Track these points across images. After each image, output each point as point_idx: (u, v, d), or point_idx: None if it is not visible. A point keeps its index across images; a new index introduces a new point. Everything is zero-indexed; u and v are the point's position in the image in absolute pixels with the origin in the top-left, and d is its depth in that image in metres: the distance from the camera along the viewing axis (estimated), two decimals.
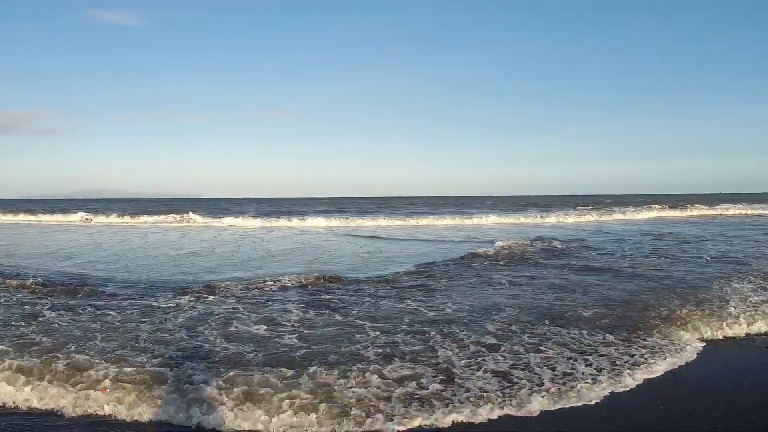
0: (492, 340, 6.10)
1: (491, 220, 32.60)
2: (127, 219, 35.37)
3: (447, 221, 32.02)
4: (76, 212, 39.71)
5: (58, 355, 5.44)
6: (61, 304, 7.88)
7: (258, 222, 31.74)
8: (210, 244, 18.92)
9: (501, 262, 12.36)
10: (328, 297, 8.55)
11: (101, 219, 36.05)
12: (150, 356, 5.46)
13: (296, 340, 6.10)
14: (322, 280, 9.96)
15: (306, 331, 6.48)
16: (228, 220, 32.65)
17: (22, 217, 40.54)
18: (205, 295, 8.54)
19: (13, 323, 6.82)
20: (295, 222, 31.27)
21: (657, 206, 42.93)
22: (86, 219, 36.07)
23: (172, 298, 8.38)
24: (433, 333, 6.36)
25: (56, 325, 6.69)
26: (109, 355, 5.47)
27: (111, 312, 7.37)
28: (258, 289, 9.20)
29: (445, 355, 5.58)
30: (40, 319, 7.06)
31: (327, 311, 7.55)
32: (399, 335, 6.30)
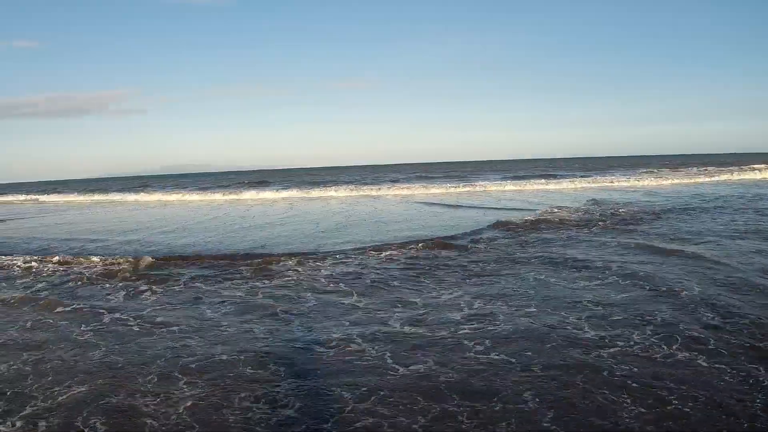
0: None
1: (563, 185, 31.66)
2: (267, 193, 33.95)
3: (535, 186, 31.64)
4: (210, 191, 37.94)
5: None
6: None
7: (346, 192, 32.10)
8: (342, 214, 19.32)
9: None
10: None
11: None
12: None
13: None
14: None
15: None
16: (316, 192, 32.85)
17: (157, 197, 35.88)
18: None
19: None
20: (378, 191, 31.89)
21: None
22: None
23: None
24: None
25: None
26: None
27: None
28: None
29: None
30: None
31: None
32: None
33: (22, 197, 41.89)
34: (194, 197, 34.39)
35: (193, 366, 4.84)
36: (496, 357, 4.85)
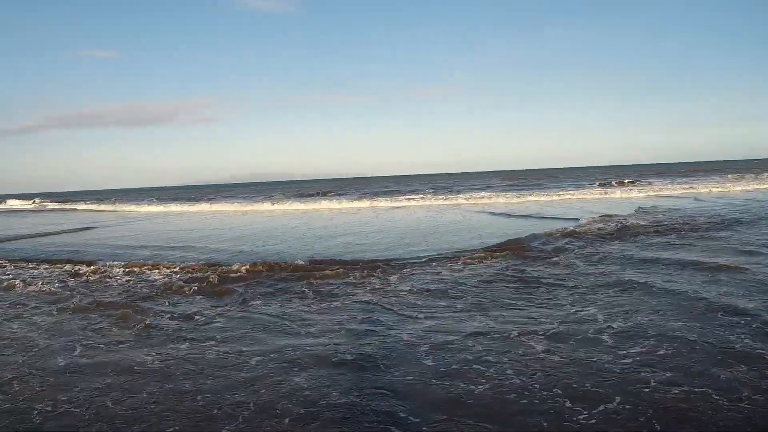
0: None
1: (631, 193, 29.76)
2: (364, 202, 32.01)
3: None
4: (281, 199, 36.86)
5: None
6: None
7: (431, 201, 30.72)
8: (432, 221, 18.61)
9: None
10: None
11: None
12: None
13: None
14: None
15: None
16: (391, 202, 31.62)
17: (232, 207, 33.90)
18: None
19: None
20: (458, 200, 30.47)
21: None
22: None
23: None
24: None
25: None
26: None
27: None
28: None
29: None
30: None
31: None
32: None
33: (108, 206, 40.94)
34: (291, 206, 31.77)
35: None
36: (697, 390, 3.73)
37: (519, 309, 6.11)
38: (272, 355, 4.91)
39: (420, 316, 6.05)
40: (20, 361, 5.07)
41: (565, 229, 12.88)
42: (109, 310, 6.83)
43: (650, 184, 36.37)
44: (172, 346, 5.35)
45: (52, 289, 8.40)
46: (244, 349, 5.14)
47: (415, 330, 5.48)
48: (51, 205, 47.06)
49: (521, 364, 4.41)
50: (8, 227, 24.12)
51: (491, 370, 4.29)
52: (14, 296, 8.06)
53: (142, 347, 5.32)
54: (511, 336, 5.11)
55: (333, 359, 4.73)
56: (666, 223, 13.55)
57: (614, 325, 5.24)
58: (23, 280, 9.07)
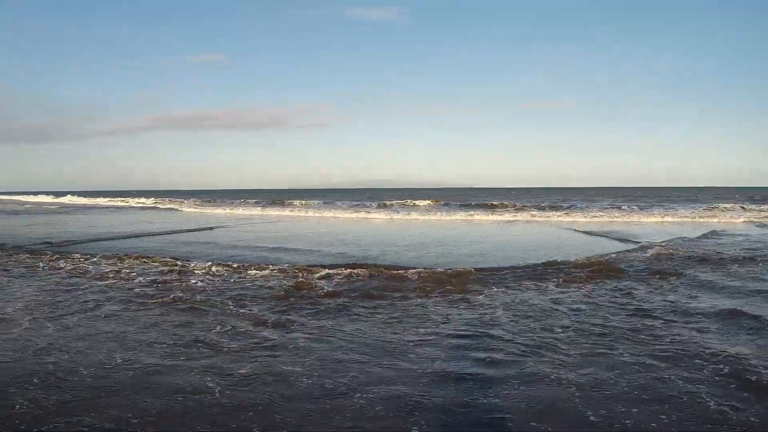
0: None
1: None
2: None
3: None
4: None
5: None
6: None
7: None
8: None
9: None
10: None
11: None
12: None
13: None
14: None
15: None
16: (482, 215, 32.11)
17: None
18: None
19: None
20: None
21: None
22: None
23: None
24: None
25: None
26: None
27: None
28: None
29: None
30: None
31: None
32: None
33: (223, 208, 40.68)
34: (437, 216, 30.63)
35: None
36: None
37: None
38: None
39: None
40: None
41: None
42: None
43: None
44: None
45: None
46: None
47: None
48: (162, 205, 50.41)
49: None
50: (147, 222, 26.70)
51: None
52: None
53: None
54: None
55: None
56: None
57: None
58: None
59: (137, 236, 17.86)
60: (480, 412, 3.87)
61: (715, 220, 25.89)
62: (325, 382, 4.46)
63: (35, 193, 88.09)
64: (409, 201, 45.68)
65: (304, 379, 4.51)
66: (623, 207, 35.37)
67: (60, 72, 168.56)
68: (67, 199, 65.17)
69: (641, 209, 33.11)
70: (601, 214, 30.08)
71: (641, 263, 10.87)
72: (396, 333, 5.92)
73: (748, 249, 13.19)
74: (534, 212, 31.46)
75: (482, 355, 5.11)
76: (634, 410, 3.85)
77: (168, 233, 19.23)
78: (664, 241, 14.87)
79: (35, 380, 4.41)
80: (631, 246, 14.20)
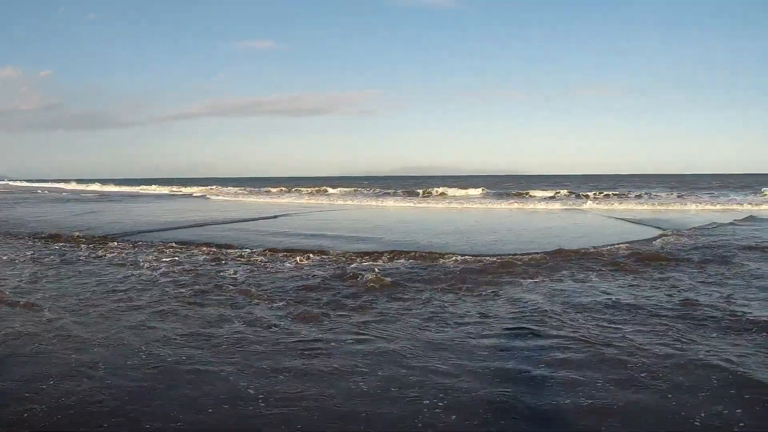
0: None
1: None
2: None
3: None
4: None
5: None
6: None
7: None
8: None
9: None
10: None
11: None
12: None
13: None
14: None
15: None
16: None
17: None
18: None
19: None
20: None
21: None
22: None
23: None
24: None
25: None
26: None
27: None
28: None
29: None
30: None
31: None
32: None
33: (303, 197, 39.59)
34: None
35: None
36: None
37: None
38: None
39: None
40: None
41: None
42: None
43: None
44: None
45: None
46: None
47: None
48: (216, 197, 49.99)
49: None
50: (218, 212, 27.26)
51: None
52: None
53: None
54: None
55: None
56: None
57: None
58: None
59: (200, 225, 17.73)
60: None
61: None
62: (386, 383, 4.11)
63: (89, 181, 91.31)
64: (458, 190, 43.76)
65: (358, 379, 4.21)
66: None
67: (114, 62, 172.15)
68: (113, 188, 67.42)
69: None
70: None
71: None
72: (444, 328, 5.71)
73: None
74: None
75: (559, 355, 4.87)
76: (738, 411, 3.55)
77: (231, 222, 19.12)
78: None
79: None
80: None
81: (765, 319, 5.63)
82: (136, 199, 40.05)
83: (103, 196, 44.57)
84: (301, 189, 49.83)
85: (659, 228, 15.28)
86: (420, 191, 42.48)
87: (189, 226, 16.98)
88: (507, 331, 5.46)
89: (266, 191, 48.70)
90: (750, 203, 26.14)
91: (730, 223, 16.42)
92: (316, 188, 49.82)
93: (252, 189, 54.39)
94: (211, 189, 55.65)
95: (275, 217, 21.57)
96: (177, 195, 48.12)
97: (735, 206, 24.97)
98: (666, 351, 4.74)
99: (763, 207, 24.40)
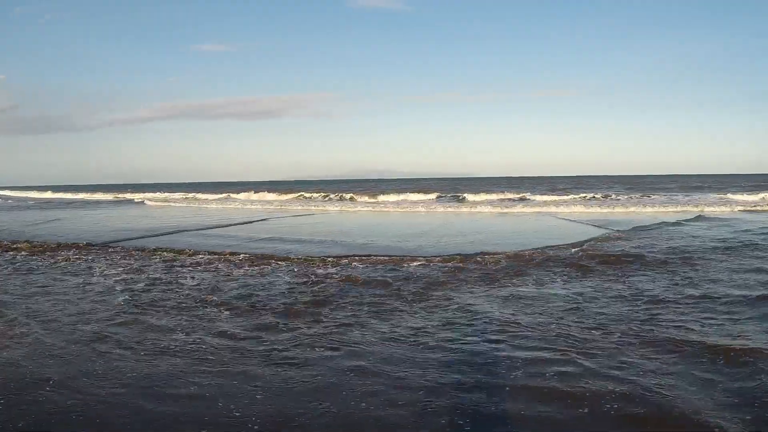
0: None
1: None
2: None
3: None
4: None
5: None
6: None
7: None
8: None
9: None
10: None
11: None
12: None
13: None
14: None
15: None
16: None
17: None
18: None
19: None
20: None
21: None
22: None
23: None
24: None
25: None
26: None
27: None
28: None
29: None
30: None
31: None
32: None
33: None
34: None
35: None
36: None
37: None
38: None
39: None
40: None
41: None
42: None
43: None
44: None
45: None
46: None
47: None
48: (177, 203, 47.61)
49: None
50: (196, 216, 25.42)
51: None
52: None
53: None
54: None
55: None
56: None
57: None
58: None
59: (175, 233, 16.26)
60: None
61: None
62: None
63: (39, 188, 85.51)
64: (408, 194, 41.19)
65: None
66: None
67: (66, 64, 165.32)
68: (53, 194, 63.90)
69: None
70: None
71: None
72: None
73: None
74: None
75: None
76: None
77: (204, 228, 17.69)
78: None
79: None
80: None
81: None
82: (69, 206, 37.46)
83: (36, 204, 41.67)
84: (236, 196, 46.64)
85: (604, 228, 14.75)
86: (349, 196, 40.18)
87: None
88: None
89: (204, 199, 45.47)
90: (704, 204, 25.78)
91: (676, 222, 16.01)
92: (254, 192, 47.61)
93: (204, 194, 51.80)
94: (156, 195, 52.96)
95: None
96: (122, 201, 45.43)
97: (689, 207, 24.66)
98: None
99: (717, 208, 24.11)
